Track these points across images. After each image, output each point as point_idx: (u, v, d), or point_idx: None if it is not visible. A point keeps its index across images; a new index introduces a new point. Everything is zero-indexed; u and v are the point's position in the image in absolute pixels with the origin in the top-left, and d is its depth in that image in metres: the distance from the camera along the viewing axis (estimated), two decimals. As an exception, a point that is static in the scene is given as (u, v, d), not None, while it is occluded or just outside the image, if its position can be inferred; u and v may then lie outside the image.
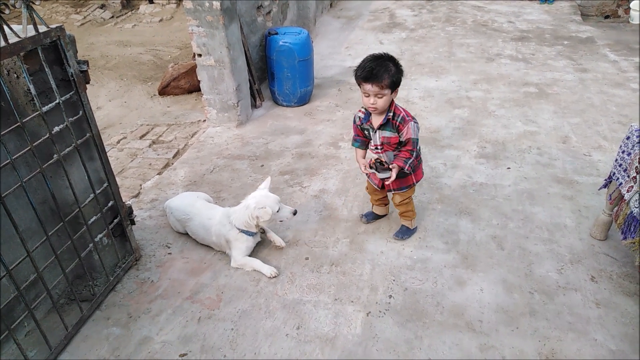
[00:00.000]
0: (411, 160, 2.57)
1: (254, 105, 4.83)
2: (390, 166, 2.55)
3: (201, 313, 2.47)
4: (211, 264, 2.81)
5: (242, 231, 2.72)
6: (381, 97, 2.43)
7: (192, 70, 4.98)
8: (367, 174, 2.84)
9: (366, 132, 2.69)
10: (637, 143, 2.63)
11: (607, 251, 2.81)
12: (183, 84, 5.42)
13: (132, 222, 2.76)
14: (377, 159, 2.62)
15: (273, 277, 2.67)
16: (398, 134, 2.56)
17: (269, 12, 5.27)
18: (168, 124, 4.72)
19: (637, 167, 2.54)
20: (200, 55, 4.15)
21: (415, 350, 2.24)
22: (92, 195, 2.40)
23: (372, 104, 2.46)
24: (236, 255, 2.74)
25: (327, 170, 3.74)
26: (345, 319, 2.42)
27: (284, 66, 4.64)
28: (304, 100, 4.90)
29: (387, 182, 2.62)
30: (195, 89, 5.25)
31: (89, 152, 2.41)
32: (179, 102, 5.29)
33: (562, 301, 2.48)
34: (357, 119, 2.70)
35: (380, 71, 2.37)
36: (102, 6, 9.54)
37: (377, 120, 2.58)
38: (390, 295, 2.56)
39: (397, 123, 2.53)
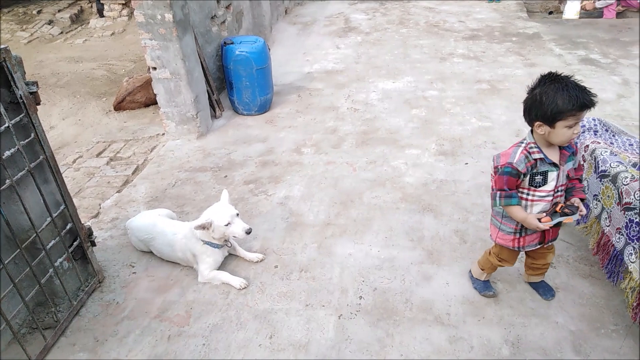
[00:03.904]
0: (583, 188, 2.18)
1: (214, 116, 4.79)
2: (574, 202, 2.10)
3: (170, 331, 2.43)
4: (178, 280, 2.77)
5: (207, 243, 2.69)
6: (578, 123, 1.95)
7: (148, 84, 4.89)
8: (518, 246, 2.27)
9: (538, 178, 2.05)
10: (582, 133, 2.77)
11: (562, 237, 2.93)
12: (139, 97, 5.32)
13: (93, 244, 2.69)
14: (559, 203, 2.11)
15: (243, 289, 2.66)
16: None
17: (224, 22, 5.25)
18: (125, 139, 4.62)
19: (583, 155, 2.68)
20: (155, 68, 4.09)
21: (388, 348, 2.28)
22: (49, 219, 2.33)
23: (577, 132, 1.96)
24: (203, 270, 2.71)
25: (292, 177, 3.75)
26: (318, 323, 2.43)
27: (242, 75, 4.63)
28: (264, 108, 4.90)
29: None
30: (152, 102, 5.16)
31: (43, 174, 2.34)
32: (136, 117, 5.19)
33: (524, 288, 2.58)
34: (524, 164, 2.03)
35: (593, 94, 1.90)
36: (50, 22, 9.24)
37: (555, 154, 2.04)
38: (361, 296, 2.59)
39: (576, 147, 2.10)
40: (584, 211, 2.10)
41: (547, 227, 2.08)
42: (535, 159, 2.02)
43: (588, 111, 1.91)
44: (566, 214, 2.07)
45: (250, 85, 4.66)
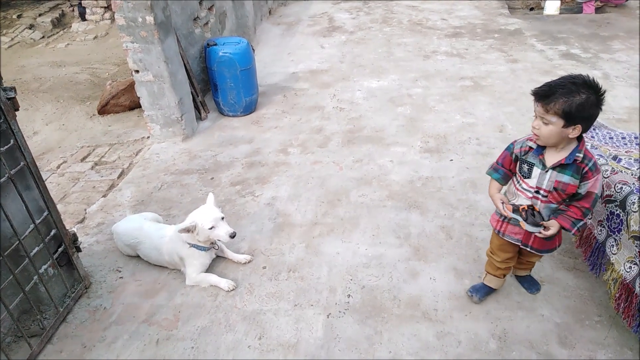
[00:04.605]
0: (582, 223, 2.01)
1: (199, 118, 4.77)
2: (547, 223, 2.02)
3: (159, 335, 2.42)
4: (166, 284, 2.75)
5: (194, 246, 2.68)
6: (546, 125, 1.87)
7: (132, 87, 4.84)
8: (499, 229, 2.25)
9: (525, 167, 2.05)
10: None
11: (546, 230, 2.98)
12: (123, 101, 5.27)
13: (78, 249, 2.67)
14: (531, 205, 2.06)
15: (231, 290, 2.65)
16: (581, 182, 1.96)
17: (207, 23, 5.23)
18: (110, 143, 4.58)
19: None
20: (137, 71, 4.05)
21: (376, 346, 2.29)
22: (32, 226, 2.30)
23: (534, 127, 1.93)
24: (191, 273, 2.69)
25: (278, 177, 3.75)
26: (306, 323, 2.44)
27: (227, 76, 4.61)
28: (249, 109, 4.89)
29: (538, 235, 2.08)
30: (136, 105, 5.11)
31: (25, 181, 2.31)
32: (121, 120, 5.14)
33: (510, 282, 2.61)
34: (520, 146, 2.07)
35: (557, 92, 1.81)
36: (31, 26, 9.10)
37: (554, 157, 1.96)
38: (349, 295, 2.60)
39: (587, 168, 1.93)
40: (548, 234, 2.01)
41: (505, 213, 2.10)
42: (529, 147, 2.03)
43: (540, 104, 1.86)
44: (523, 218, 2.04)
45: (234, 86, 4.65)
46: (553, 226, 2.00)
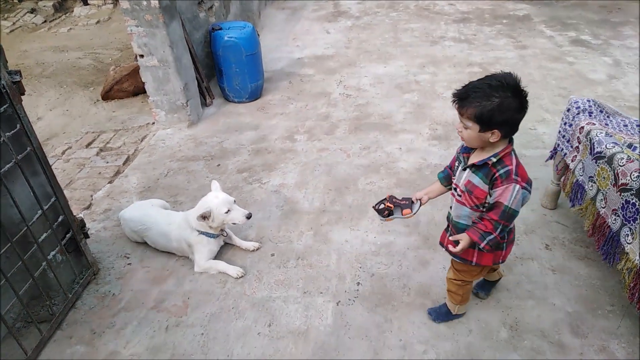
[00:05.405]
0: (492, 237, 1.83)
1: (205, 104, 4.72)
2: (458, 236, 1.92)
3: (168, 321, 2.41)
4: (174, 270, 2.74)
5: (203, 233, 2.66)
6: (466, 129, 1.77)
7: (136, 72, 4.79)
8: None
9: (456, 164, 1.99)
10: (577, 114, 2.77)
11: (558, 219, 2.95)
12: (127, 86, 5.21)
13: (86, 235, 2.65)
14: (391, 196, 2.11)
15: (240, 277, 2.64)
16: (491, 189, 1.83)
17: (211, 7, 5.15)
18: (115, 129, 4.54)
19: (578, 137, 2.68)
20: (142, 56, 4.00)
21: (387, 333, 2.28)
22: (39, 212, 2.28)
23: (458, 131, 1.83)
24: (199, 260, 2.68)
25: (285, 164, 3.72)
26: (316, 310, 2.43)
27: (232, 62, 4.55)
28: (255, 95, 4.84)
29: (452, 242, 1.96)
30: (140, 91, 5.06)
31: (32, 166, 2.28)
32: (125, 106, 5.10)
33: (521, 271, 2.59)
34: (461, 144, 1.98)
35: (470, 96, 1.70)
36: (33, 10, 9.00)
37: (474, 158, 1.87)
38: (358, 283, 2.58)
39: (497, 174, 1.78)
40: (458, 249, 1.89)
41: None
42: (464, 145, 1.93)
43: (457, 108, 1.76)
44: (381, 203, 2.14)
45: (240, 71, 4.59)
46: (463, 239, 1.89)
